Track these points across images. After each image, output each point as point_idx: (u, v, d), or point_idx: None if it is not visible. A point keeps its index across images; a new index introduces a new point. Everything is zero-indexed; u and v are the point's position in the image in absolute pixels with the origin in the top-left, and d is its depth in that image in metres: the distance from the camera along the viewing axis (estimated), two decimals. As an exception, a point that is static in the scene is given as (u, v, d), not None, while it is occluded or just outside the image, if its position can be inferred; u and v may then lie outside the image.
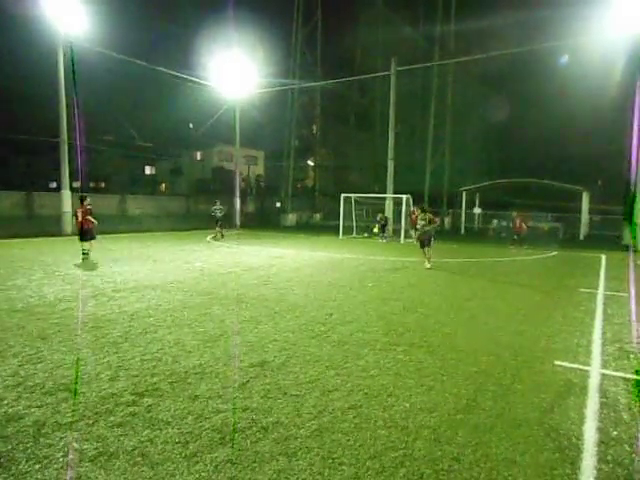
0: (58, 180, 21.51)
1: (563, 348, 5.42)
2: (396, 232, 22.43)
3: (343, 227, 23.71)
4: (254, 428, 3.33)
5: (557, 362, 4.89)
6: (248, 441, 3.15)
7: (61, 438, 3.13)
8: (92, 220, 12.07)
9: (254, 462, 2.90)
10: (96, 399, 3.73)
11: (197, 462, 2.89)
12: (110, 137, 41.05)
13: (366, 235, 23.31)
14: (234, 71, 26.67)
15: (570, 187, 26.13)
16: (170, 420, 3.42)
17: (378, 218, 22.44)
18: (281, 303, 7.44)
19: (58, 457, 2.90)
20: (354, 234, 24.10)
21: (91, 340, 5.26)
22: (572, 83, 31.65)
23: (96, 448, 3.02)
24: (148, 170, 52.24)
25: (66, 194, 20.38)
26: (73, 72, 19.23)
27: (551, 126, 36.20)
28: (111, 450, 3.00)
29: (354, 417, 3.54)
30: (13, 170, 31.92)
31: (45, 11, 18.47)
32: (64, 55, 19.54)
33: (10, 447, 2.99)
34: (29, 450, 2.97)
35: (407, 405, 3.78)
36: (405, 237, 21.27)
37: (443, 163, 34.87)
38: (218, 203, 20.71)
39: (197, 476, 2.75)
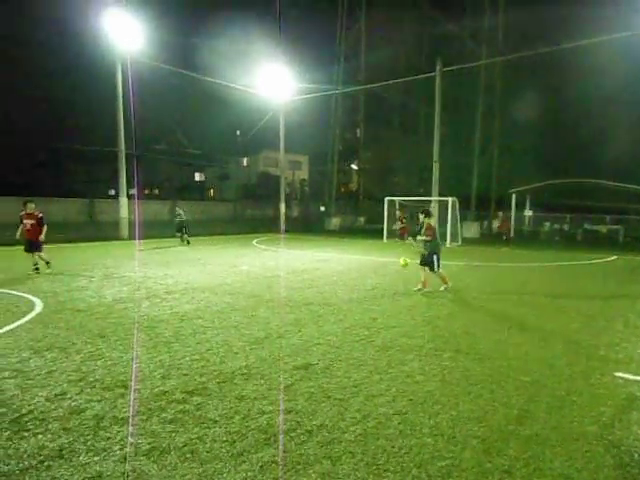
0: (116, 188, 22.79)
1: (625, 359, 5.08)
2: (441, 236, 21.90)
3: (387, 231, 23.47)
4: (299, 430, 3.36)
5: (618, 374, 4.59)
6: (293, 443, 3.18)
7: (118, 432, 3.30)
8: (44, 231, 10.38)
9: (298, 464, 2.93)
10: (149, 396, 3.91)
11: (244, 461, 2.95)
12: (163, 146, 42.96)
13: (410, 239, 22.96)
14: (279, 78, 27.19)
15: (634, 187, 24.46)
16: (218, 419, 3.52)
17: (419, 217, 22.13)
18: (325, 306, 7.47)
19: (115, 450, 3.06)
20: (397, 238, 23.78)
21: (145, 339, 5.52)
22: (631, 78, 29.71)
23: (149, 443, 3.16)
24: (197, 177, 54.23)
25: (123, 201, 21.55)
26: (129, 86, 20.35)
27: (608, 123, 34.11)
28: (163, 445, 3.12)
29: (399, 423, 3.49)
30: (77, 179, 34.17)
31: (105, 29, 19.68)
32: (121, 70, 20.74)
33: (72, 439, 3.19)
34: (89, 442, 3.15)
35: (454, 413, 3.68)
36: (451, 241, 20.76)
37: (491, 164, 33.73)
38: (179, 209, 20.02)
39: (244, 475, 2.80)
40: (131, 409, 3.66)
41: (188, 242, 18.76)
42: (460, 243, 21.29)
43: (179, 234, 18.98)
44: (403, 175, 43.01)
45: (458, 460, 3.01)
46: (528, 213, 29.88)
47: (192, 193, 45.21)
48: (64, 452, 3.02)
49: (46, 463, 2.88)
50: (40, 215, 10.44)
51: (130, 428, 3.35)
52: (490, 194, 33.40)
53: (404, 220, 16.85)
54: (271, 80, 27.24)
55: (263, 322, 6.43)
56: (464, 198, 25.57)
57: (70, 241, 18.67)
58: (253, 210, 38.21)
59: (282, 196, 31.04)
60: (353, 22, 37.95)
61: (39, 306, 7.22)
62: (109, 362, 4.72)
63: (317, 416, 3.59)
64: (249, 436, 3.27)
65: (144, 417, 3.53)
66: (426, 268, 8.91)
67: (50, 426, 3.36)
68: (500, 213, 21.86)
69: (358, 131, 42.95)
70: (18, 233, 10.33)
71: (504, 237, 20.27)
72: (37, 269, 10.40)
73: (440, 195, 23.43)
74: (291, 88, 28.05)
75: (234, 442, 3.18)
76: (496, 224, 21.64)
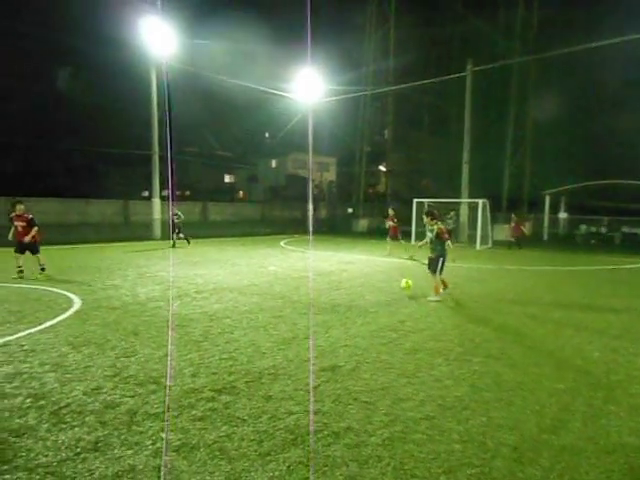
0: (149, 189, 23.46)
1: (667, 369, 4.84)
2: (471, 238, 21.53)
3: (416, 233, 23.19)
4: (325, 432, 3.36)
5: (660, 384, 4.38)
6: (320, 444, 3.19)
7: (150, 427, 3.39)
8: (33, 233, 10.03)
9: (325, 466, 2.94)
10: (180, 393, 4.00)
11: (271, 461, 2.98)
12: (194, 148, 43.91)
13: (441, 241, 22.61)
14: (308, 80, 27.34)
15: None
16: (246, 418, 3.57)
17: (449, 217, 21.57)
18: (352, 308, 7.45)
19: (148, 444, 3.15)
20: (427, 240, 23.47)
21: (176, 337, 5.65)
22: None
23: (180, 439, 3.23)
24: (227, 178, 55.15)
25: (156, 202, 22.16)
26: (163, 90, 20.92)
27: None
28: (193, 442, 3.19)
29: (427, 428, 3.45)
30: (113, 181, 35.43)
31: (140, 35, 20.30)
32: (156, 75, 21.35)
33: (107, 432, 3.30)
34: (123, 436, 3.26)
35: (484, 420, 3.60)
36: (481, 244, 20.34)
37: (524, 165, 32.83)
38: (176, 209, 19.03)
39: (271, 475, 2.83)
40: (162, 405, 3.75)
41: (174, 244, 17.87)
42: (490, 246, 20.83)
43: (182, 236, 18.36)
44: (432, 177, 42.43)
45: (488, 468, 2.95)
46: (563, 215, 28.94)
47: (222, 195, 45.99)
48: (99, 445, 3.13)
49: (82, 455, 3.00)
50: (30, 217, 10.09)
51: (161, 424, 3.44)
52: (522, 196, 32.52)
53: (395, 220, 16.34)
54: (300, 82, 27.43)
55: (290, 323, 6.47)
56: (495, 200, 24.99)
57: (106, 241, 19.33)
58: (281, 211, 38.51)
59: (310, 197, 31.18)
60: (382, 22, 37.75)
61: (77, 303, 7.51)
62: (142, 359, 4.86)
63: (344, 418, 3.59)
64: (276, 436, 3.30)
65: (175, 413, 3.61)
66: (435, 273, 8.32)
67: (87, 419, 3.49)
68: (512, 215, 21.21)
69: (386, 132, 42.66)
70: (10, 235, 10.03)
71: (514, 241, 19.84)
72: (43, 269, 10.12)
73: (470, 197, 22.98)
74: (320, 90, 28.16)
75: (262, 441, 3.22)
76: (509, 227, 21.06)
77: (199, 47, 22.97)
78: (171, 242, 18.00)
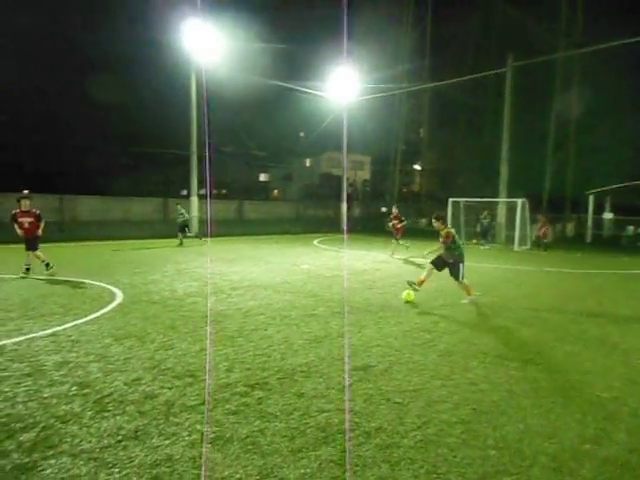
0: (188, 188, 24.12)
1: None
2: (509, 238, 20.90)
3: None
4: (357, 431, 3.36)
5: None
6: (351, 444, 3.19)
7: (187, 419, 3.49)
8: (42, 226, 9.94)
9: (356, 465, 2.94)
10: (215, 387, 4.10)
11: (302, 458, 3.00)
12: (230, 148, 44.75)
13: (474, 241, 22.09)
14: (343, 78, 27.29)
15: None
16: (278, 414, 3.62)
17: (482, 217, 20.92)
18: (385, 308, 7.39)
19: (184, 436, 3.25)
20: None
21: (212, 333, 5.79)
22: None
23: (214, 432, 3.31)
24: (262, 177, 55.89)
25: (194, 200, 22.76)
26: (202, 91, 21.43)
27: None
28: (227, 435, 3.27)
29: (461, 432, 3.38)
30: (153, 180, 36.71)
31: (180, 38, 20.87)
32: (195, 77, 21.91)
33: (146, 422, 3.43)
34: (161, 426, 3.37)
35: (521, 426, 3.49)
36: (519, 244, 19.72)
37: (566, 163, 31.50)
38: (180, 207, 18.81)
39: (302, 471, 2.86)
40: (198, 398, 3.85)
41: (181, 243, 17.77)
42: (529, 247, 20.14)
43: (182, 234, 18.05)
44: (468, 175, 41.45)
45: (525, 476, 2.86)
46: (608, 216, 27.59)
47: (257, 193, 46.67)
48: (139, 433, 3.25)
49: (123, 443, 3.13)
50: (37, 212, 9.91)
51: (197, 416, 3.54)
52: (564, 195, 31.23)
53: (401, 219, 15.69)
54: (335, 81, 27.41)
55: (323, 321, 6.50)
56: (534, 199, 24.11)
57: (146, 237, 20.01)
58: (315, 210, 38.62)
59: (344, 196, 31.13)
60: (419, 19, 37.17)
61: (119, 297, 7.83)
62: (179, 352, 5.01)
63: (375, 418, 3.57)
64: (308, 433, 3.32)
65: (210, 407, 3.71)
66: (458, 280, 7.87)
67: (127, 408, 3.63)
68: (540, 216, 20.47)
69: (422, 131, 42.00)
70: (19, 232, 9.72)
71: (540, 243, 19.25)
72: (28, 270, 9.70)
73: (509, 196, 22.30)
74: (355, 88, 28.05)
75: (293, 438, 3.25)
76: (538, 228, 20.23)
77: (235, 47, 23.35)
78: (181, 242, 17.81)
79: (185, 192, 28.19)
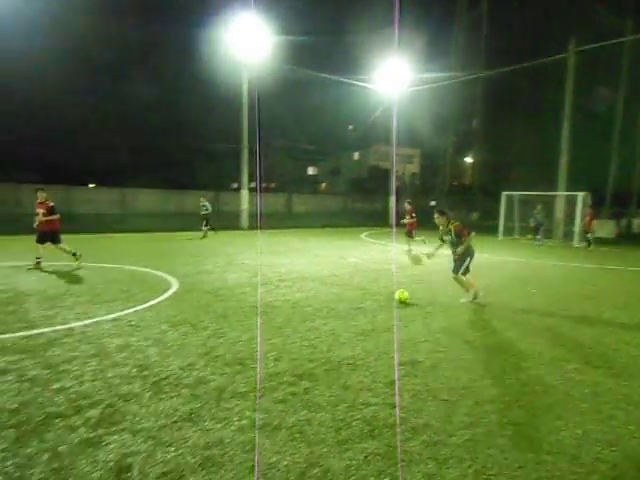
0: (238, 181, 24.78)
1: None
2: (567, 234, 19.80)
3: (504, 227, 21.90)
4: (403, 426, 3.34)
5: None
6: (397, 439, 3.18)
7: (236, 405, 3.62)
8: (52, 219, 9.76)
9: (402, 460, 2.92)
10: (263, 375, 4.21)
11: (348, 449, 3.03)
12: (280, 142, 45.36)
13: (529, 237, 21.10)
14: (392, 70, 26.80)
15: None
16: (324, 405, 3.66)
17: (536, 211, 19.77)
18: (433, 303, 7.25)
19: (234, 420, 3.37)
20: (516, 235, 22.07)
21: (260, 323, 5.94)
22: None
23: (262, 419, 3.41)
24: (311, 171, 56.28)
25: (244, 193, 23.36)
26: (253, 86, 21.85)
27: None
28: (275, 423, 3.35)
29: (513, 434, 3.27)
30: (206, 174, 38.08)
31: (232, 35, 21.35)
32: (246, 72, 22.37)
33: (199, 405, 3.59)
34: (212, 410, 3.52)
35: (579, 432, 3.33)
36: (580, 240, 18.62)
37: (634, 154, 29.25)
38: (204, 200, 18.84)
39: (348, 463, 2.88)
40: (247, 385, 3.98)
41: (205, 235, 17.98)
42: (586, 243, 18.97)
43: (206, 227, 18.25)
44: (524, 168, 39.52)
45: (582, 483, 2.73)
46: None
47: (305, 186, 47.09)
48: (193, 416, 3.41)
49: (178, 424, 3.29)
50: (51, 204, 9.83)
51: (246, 403, 3.66)
52: (631, 189, 29.06)
53: (414, 215, 14.64)
54: (384, 72, 26.97)
55: (370, 315, 6.48)
56: (597, 194, 22.65)
57: (199, 229, 20.77)
58: (363, 203, 38.42)
59: (392, 190, 30.74)
60: (473, 5, 35.70)
61: (175, 285, 8.21)
62: (230, 340, 5.19)
63: (422, 415, 3.53)
64: (354, 425, 3.34)
65: (258, 394, 3.82)
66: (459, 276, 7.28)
67: (182, 391, 3.82)
68: (588, 209, 18.92)
69: (474, 122, 40.46)
70: (35, 223, 9.72)
71: (587, 238, 17.83)
72: (75, 254, 9.91)
73: (568, 190, 21.09)
74: (404, 79, 27.46)
75: (339, 429, 3.29)
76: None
77: (284, 41, 23.58)
78: (205, 234, 18.03)
79: (236, 185, 28.93)
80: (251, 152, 23.79)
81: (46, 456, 2.83)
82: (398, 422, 3.40)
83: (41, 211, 9.67)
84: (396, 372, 4.35)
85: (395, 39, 27.29)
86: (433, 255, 7.78)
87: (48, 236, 9.74)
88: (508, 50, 33.31)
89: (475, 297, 7.36)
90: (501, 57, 32.40)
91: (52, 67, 28.89)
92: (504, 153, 41.02)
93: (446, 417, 3.50)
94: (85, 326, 5.57)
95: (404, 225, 14.79)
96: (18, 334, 5.16)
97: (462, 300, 7.40)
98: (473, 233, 7.48)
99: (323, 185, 55.63)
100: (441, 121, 37.64)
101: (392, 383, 4.10)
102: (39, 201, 9.86)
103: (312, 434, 3.22)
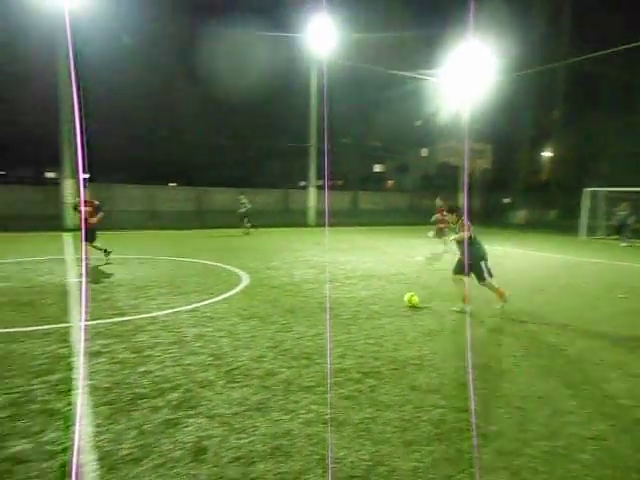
0: (306, 179, 25.23)
1: None
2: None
3: (586, 227, 20.26)
4: (473, 432, 3.24)
5: None
6: (466, 444, 3.09)
7: (303, 398, 3.72)
8: (94, 219, 9.55)
9: (471, 467, 2.84)
10: (329, 371, 4.28)
11: (415, 451, 3.00)
12: (347, 139, 45.43)
13: (615, 237, 19.30)
14: (464, 65, 25.74)
15: None
16: (390, 404, 3.64)
17: (620, 209, 17.91)
18: (505, 306, 6.90)
19: (301, 413, 3.46)
20: (600, 235, 20.31)
21: (327, 319, 6.03)
22: None
23: (328, 414, 3.47)
24: (377, 168, 55.81)
25: (312, 191, 23.73)
26: (322, 85, 22.10)
27: None
28: (340, 419, 3.40)
29: (596, 450, 3.05)
30: (274, 172, 39.29)
31: (301, 32, 21.71)
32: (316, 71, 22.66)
33: (268, 396, 3.73)
34: (280, 402, 3.64)
35: (674, 453, 3.02)
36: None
37: None
38: (243, 197, 18.67)
39: (415, 465, 2.85)
40: (313, 380, 4.06)
41: (248, 232, 18.03)
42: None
43: (248, 224, 18.39)
44: (609, 162, 36.18)
45: (677, 510, 2.49)
46: None
47: (372, 184, 46.75)
48: (262, 406, 3.55)
49: (249, 413, 3.45)
50: (97, 203, 9.71)
51: (312, 396, 3.74)
52: None
53: (444, 213, 12.84)
54: (456, 66, 25.98)
55: (437, 315, 6.33)
56: None
57: (268, 226, 21.47)
58: (431, 201, 37.36)
59: (464, 187, 29.62)
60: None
61: (245, 280, 8.57)
62: (296, 335, 5.32)
63: (494, 421, 3.39)
64: (421, 427, 3.30)
65: (324, 389, 3.88)
66: (464, 278, 6.55)
67: (252, 382, 3.99)
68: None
69: (554, 113, 37.71)
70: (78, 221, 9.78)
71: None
72: (106, 250, 9.92)
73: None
74: (477, 73, 26.26)
75: (405, 430, 3.26)
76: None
77: (352, 37, 23.51)
78: (247, 231, 18.10)
79: (303, 183, 29.44)
80: (319, 150, 24.08)
81: (133, 433, 3.10)
82: (467, 427, 3.30)
83: (87, 209, 9.44)
84: (469, 375, 4.21)
85: (469, 29, 26.15)
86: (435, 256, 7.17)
87: (87, 233, 9.55)
88: (592, 35, 30.67)
89: (462, 309, 6.54)
90: (584, 42, 29.91)
91: (148, 75, 31.23)
92: (587, 146, 37.87)
93: (520, 426, 3.34)
94: (166, 315, 5.99)
95: (434, 223, 13.61)
96: (109, 320, 5.69)
97: (497, 306, 6.66)
98: (480, 243, 6.71)
99: (390, 182, 54.90)
100: (516, 113, 35.53)
101: (461, 386, 3.98)
102: (85, 199, 9.73)
103: (378, 432, 3.22)
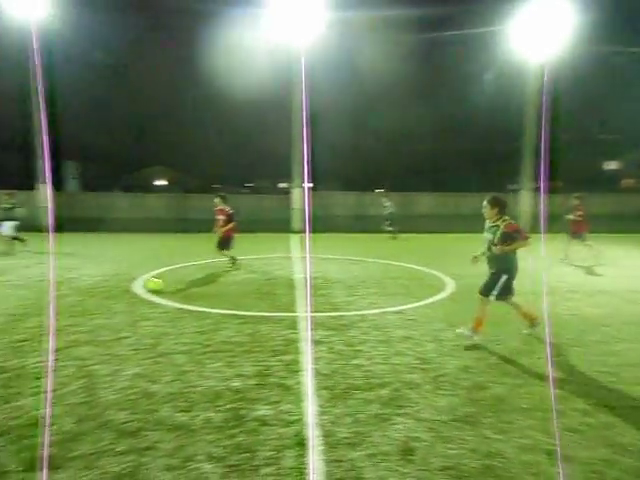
0: (517, 182, 23.09)
1: None
2: None
3: None
4: None
5: None
6: None
7: (516, 419, 3.40)
8: (223, 227, 9.50)
9: None
10: (550, 395, 3.80)
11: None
12: (568, 135, 39.56)
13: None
14: None
15: None
16: (631, 449, 3.04)
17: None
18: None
19: (514, 436, 3.17)
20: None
21: (545, 337, 5.36)
22: None
23: (551, 444, 3.08)
24: (609, 165, 46.88)
25: (525, 194, 21.59)
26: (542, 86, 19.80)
27: None
28: (566, 453, 2.98)
29: None
30: (481, 176, 37.63)
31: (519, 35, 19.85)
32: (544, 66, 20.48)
33: (477, 410, 3.56)
34: (490, 419, 3.42)
35: None
36: None
37: None
38: (386, 199, 17.88)
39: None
40: (529, 402, 3.67)
41: (394, 237, 17.27)
42: None
43: (393, 228, 17.56)
44: None
45: None
46: None
47: (601, 184, 39.40)
48: (471, 419, 3.40)
49: (456, 424, 3.34)
50: (230, 211, 9.58)
51: (528, 421, 3.39)
52: None
53: (579, 213, 10.97)
54: None
55: None
56: None
57: (468, 231, 20.35)
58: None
59: None
60: None
61: (449, 286, 8.38)
62: (507, 349, 4.92)
63: None
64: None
65: (542, 415, 3.46)
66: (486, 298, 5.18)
67: (459, 392, 3.88)
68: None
69: None
70: (216, 229, 9.68)
71: None
72: (233, 256, 9.79)
73: None
74: None
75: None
76: None
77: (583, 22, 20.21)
78: (393, 235, 17.41)
79: (514, 186, 27.03)
80: (533, 150, 21.78)
81: (349, 420, 3.39)
82: None
83: (220, 218, 9.48)
84: None
85: None
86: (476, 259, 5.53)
87: (220, 241, 9.63)
88: None
89: (471, 334, 5.12)
90: None
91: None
92: None
93: None
94: (374, 315, 6.35)
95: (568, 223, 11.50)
96: (327, 314, 6.36)
97: (524, 331, 5.44)
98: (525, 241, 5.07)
99: (627, 181, 45.34)
100: None
101: None
102: (218, 207, 9.59)
103: (613, 478, 2.73)
